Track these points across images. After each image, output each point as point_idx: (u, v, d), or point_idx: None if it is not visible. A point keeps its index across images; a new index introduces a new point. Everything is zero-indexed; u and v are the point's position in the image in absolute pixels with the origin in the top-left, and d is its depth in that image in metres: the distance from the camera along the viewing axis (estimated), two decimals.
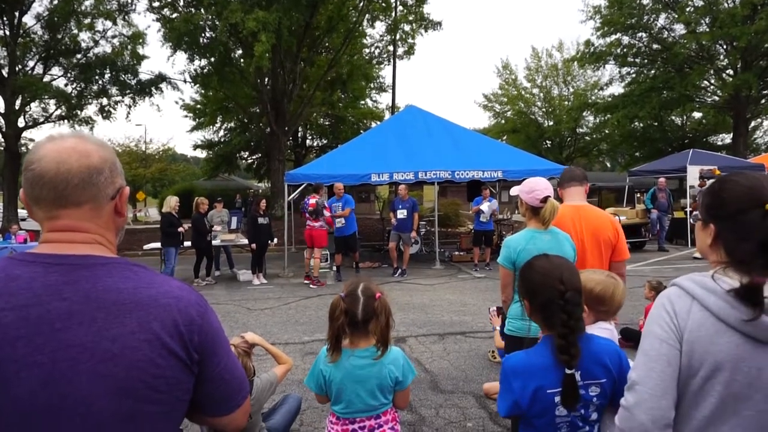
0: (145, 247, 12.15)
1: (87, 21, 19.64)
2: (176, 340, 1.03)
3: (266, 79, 21.55)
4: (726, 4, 21.12)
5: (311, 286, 9.97)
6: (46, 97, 19.56)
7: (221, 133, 32.51)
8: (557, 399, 1.61)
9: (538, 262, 1.79)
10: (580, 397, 1.60)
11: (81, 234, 1.07)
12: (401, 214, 10.70)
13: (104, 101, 21.63)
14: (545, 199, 2.86)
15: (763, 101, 22.88)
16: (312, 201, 10.04)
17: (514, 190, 3.09)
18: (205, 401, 1.13)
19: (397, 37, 21.98)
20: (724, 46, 22.03)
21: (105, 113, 21.89)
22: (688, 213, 13.15)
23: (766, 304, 1.21)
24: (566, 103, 33.10)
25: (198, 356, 1.07)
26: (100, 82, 20.89)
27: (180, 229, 9.80)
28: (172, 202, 10.00)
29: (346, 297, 2.13)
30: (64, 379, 0.94)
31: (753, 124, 27.58)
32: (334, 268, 11.03)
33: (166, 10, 20.06)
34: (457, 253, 13.12)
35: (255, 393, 2.85)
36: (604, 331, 2.08)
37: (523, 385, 1.64)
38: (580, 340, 1.64)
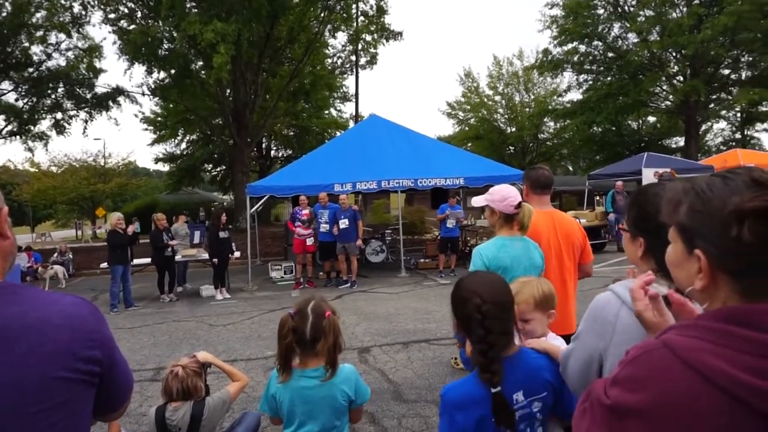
0: (102, 265, 11.79)
1: (39, 34, 19.08)
2: (73, 359, 1.00)
3: (228, 91, 21.31)
4: (674, 14, 22.05)
5: (305, 286, 10.80)
6: None
7: (183, 145, 31.90)
8: None
9: (467, 278, 1.74)
10: (513, 414, 1.55)
11: None
12: (343, 224, 10.47)
13: (58, 116, 21.04)
14: (519, 205, 2.84)
15: (711, 106, 23.90)
16: (305, 211, 10.72)
17: (477, 201, 3.00)
18: (102, 406, 1.12)
19: (359, 47, 22.10)
20: (674, 54, 22.97)
21: (59, 128, 21.30)
22: None
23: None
24: (527, 109, 33.81)
25: (98, 368, 1.06)
26: (53, 96, 20.30)
27: (132, 232, 9.65)
28: (113, 219, 9.78)
29: (295, 314, 2.08)
30: None
31: (704, 127, 28.78)
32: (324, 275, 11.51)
33: (122, 22, 19.65)
34: (422, 260, 13.17)
35: (207, 413, 2.79)
36: (555, 339, 2.07)
37: (466, 416, 1.58)
38: (510, 357, 1.59)
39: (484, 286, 1.65)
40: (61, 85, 20.18)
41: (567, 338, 3.10)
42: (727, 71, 23.38)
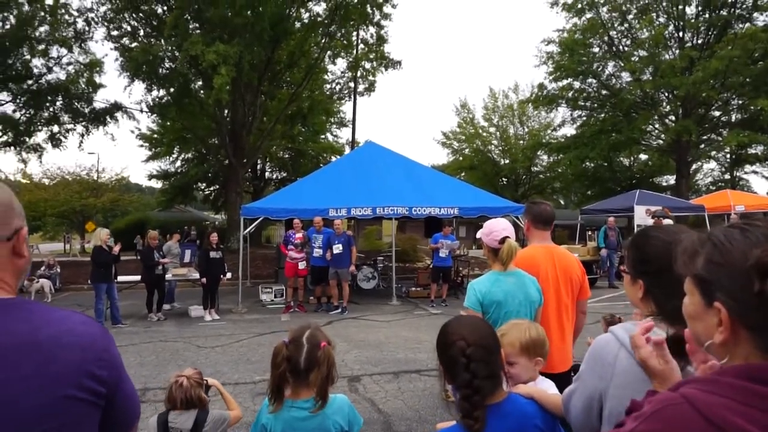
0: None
1: (41, 47, 19.16)
2: (81, 379, 0.99)
3: (226, 111, 21.44)
4: (667, 56, 22.60)
5: (296, 310, 10.79)
6: None
7: (178, 163, 31.98)
8: None
9: (451, 321, 1.71)
10: None
11: None
12: (337, 249, 10.45)
13: (55, 128, 21.03)
14: (503, 240, 2.85)
15: (702, 146, 24.31)
16: (299, 234, 10.70)
17: (479, 234, 3.09)
18: (109, 427, 1.10)
19: (358, 74, 22.38)
20: (666, 95, 23.44)
21: (55, 141, 21.25)
22: None
23: None
24: (521, 142, 34.21)
25: (105, 390, 1.04)
26: (51, 109, 20.30)
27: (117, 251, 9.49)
28: (102, 235, 9.65)
29: (290, 343, 2.03)
30: None
31: (694, 167, 29.22)
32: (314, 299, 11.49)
33: (125, 39, 19.86)
34: (414, 288, 13.11)
35: (210, 421, 2.82)
36: (543, 382, 2.04)
37: None
38: (499, 404, 1.54)
39: (468, 328, 1.62)
40: (59, 98, 20.18)
41: (564, 375, 3.10)
42: (717, 113, 23.86)
